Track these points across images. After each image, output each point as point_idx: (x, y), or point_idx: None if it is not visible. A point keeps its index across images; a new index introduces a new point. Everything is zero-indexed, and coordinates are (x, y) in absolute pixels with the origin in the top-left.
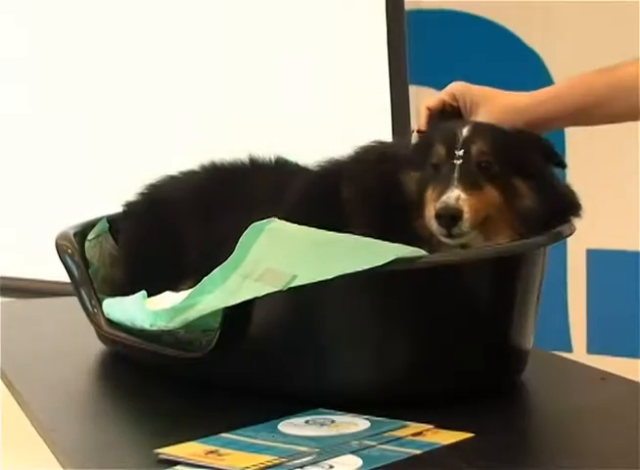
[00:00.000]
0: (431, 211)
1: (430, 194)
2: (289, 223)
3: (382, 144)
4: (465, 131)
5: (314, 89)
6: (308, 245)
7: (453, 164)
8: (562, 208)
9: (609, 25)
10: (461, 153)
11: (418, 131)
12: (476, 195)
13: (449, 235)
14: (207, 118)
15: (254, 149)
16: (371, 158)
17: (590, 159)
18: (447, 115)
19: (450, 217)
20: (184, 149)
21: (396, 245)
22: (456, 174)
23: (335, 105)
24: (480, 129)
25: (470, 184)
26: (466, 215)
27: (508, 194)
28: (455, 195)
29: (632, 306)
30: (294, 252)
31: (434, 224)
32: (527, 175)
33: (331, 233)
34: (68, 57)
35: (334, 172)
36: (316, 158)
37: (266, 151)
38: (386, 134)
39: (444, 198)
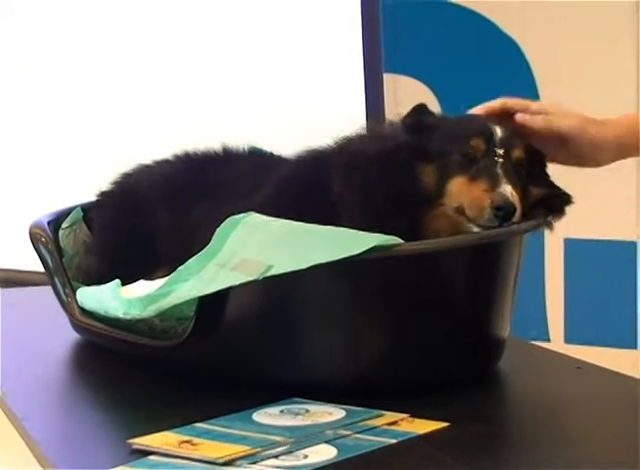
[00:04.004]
0: (483, 201)
1: (466, 182)
2: (265, 216)
3: (373, 134)
4: (500, 131)
5: (287, 76)
6: (284, 235)
7: (494, 160)
8: (557, 212)
9: (586, 13)
10: (502, 151)
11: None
12: (516, 194)
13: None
14: (182, 108)
15: (227, 136)
16: (371, 149)
17: None
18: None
19: (510, 211)
20: (159, 138)
21: (373, 234)
22: (500, 171)
23: (308, 92)
24: (512, 131)
25: (513, 183)
26: (517, 212)
27: (524, 199)
28: (509, 190)
29: (610, 296)
30: (270, 242)
31: (487, 214)
32: (539, 184)
33: (307, 224)
34: (49, 47)
35: (318, 163)
36: (289, 145)
37: (237, 138)
38: (359, 122)
39: (501, 190)
